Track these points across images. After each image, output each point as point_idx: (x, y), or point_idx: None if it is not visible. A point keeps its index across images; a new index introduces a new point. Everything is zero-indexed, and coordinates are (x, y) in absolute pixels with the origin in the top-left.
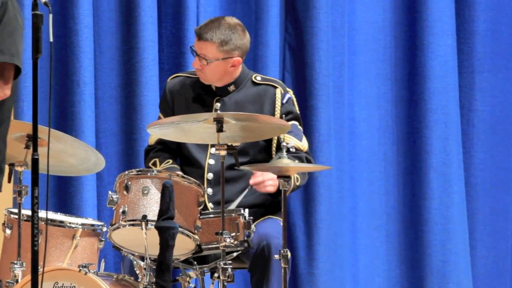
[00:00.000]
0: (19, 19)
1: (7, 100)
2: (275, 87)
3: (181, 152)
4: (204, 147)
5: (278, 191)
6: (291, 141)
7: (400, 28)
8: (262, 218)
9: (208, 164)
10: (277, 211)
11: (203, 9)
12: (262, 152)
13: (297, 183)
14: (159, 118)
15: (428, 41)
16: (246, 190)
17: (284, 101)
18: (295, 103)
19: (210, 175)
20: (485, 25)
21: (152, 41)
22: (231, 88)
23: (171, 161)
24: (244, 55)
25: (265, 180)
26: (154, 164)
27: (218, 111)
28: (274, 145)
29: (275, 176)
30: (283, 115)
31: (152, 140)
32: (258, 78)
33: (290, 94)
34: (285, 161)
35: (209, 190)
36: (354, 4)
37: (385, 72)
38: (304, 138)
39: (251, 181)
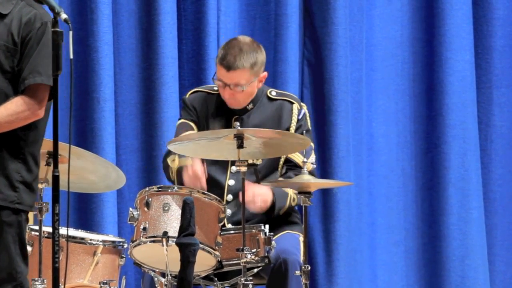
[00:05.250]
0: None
1: (41, 121)
2: (292, 103)
3: None
4: (223, 167)
5: (271, 208)
6: (300, 158)
7: (418, 43)
8: (280, 233)
9: (228, 185)
10: (294, 224)
11: (223, 26)
12: (273, 170)
13: (293, 203)
14: (182, 122)
15: (446, 56)
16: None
17: (300, 117)
18: (308, 118)
19: (229, 197)
20: (503, 40)
21: (172, 57)
22: (249, 106)
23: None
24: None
25: (255, 200)
26: (174, 161)
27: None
28: (282, 160)
29: (267, 192)
30: (296, 131)
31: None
32: (273, 93)
33: (305, 109)
34: (306, 177)
35: (228, 212)
36: (372, 20)
37: (403, 88)
38: (311, 156)
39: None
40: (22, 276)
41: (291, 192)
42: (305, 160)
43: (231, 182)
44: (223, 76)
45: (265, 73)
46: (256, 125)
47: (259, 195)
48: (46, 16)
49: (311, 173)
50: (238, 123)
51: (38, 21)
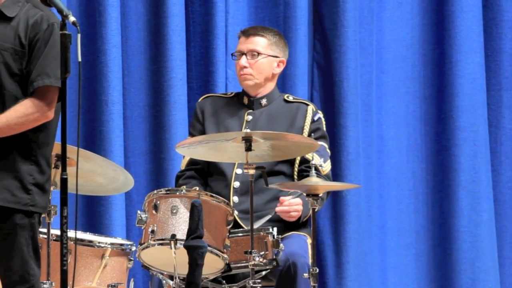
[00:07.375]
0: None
1: (51, 122)
2: (307, 105)
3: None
4: None
5: (299, 218)
6: (318, 160)
7: (428, 46)
8: (286, 234)
9: (235, 173)
10: (301, 226)
11: (232, 28)
12: (288, 176)
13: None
14: None
15: (456, 59)
16: (269, 216)
17: (315, 118)
18: (324, 125)
19: (236, 184)
20: None
21: (181, 60)
22: (264, 102)
23: (197, 188)
24: (284, 66)
25: (290, 210)
26: None
27: (249, 128)
28: (298, 159)
29: (300, 206)
30: (312, 133)
31: (183, 164)
32: (290, 97)
33: (320, 115)
34: (314, 180)
35: (235, 198)
36: (382, 22)
37: (413, 90)
38: (328, 161)
39: (277, 209)
40: (34, 278)
41: (311, 199)
42: (321, 163)
43: (239, 171)
44: (241, 44)
45: (284, 59)
46: (269, 120)
47: (293, 208)
48: (53, 18)
49: (327, 176)
50: (250, 117)
51: (45, 23)
